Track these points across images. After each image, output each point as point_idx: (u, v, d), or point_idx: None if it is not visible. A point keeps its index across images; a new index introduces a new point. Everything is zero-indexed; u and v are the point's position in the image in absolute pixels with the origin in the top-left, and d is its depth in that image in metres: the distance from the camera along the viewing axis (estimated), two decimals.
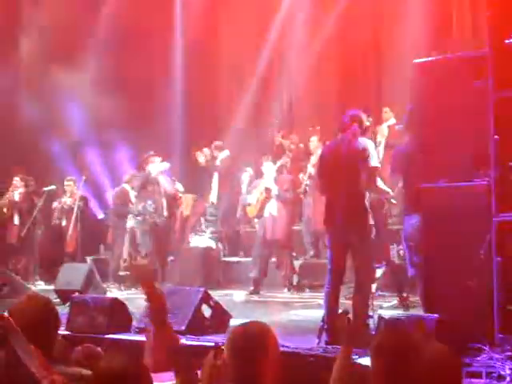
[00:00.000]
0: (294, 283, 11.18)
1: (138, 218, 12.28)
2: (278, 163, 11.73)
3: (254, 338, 3.05)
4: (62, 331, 7.42)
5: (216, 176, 13.06)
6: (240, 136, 14.30)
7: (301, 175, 12.08)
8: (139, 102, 14.94)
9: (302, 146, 13.24)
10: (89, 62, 14.95)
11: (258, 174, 12.34)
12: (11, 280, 11.01)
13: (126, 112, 14.30)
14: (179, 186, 12.81)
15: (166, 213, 12.17)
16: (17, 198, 14.02)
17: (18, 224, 13.96)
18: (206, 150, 13.38)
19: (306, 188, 11.84)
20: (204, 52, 15.93)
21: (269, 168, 11.51)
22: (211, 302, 7.61)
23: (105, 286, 11.36)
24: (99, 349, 5.27)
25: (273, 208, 11.22)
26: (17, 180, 14.08)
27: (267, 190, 11.26)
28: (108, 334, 7.34)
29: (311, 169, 11.75)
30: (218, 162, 13.02)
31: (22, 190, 14.05)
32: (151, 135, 14.17)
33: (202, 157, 13.33)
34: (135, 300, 9.90)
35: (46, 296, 3.72)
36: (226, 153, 13.12)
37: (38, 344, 2.96)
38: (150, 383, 3.00)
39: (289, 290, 11.06)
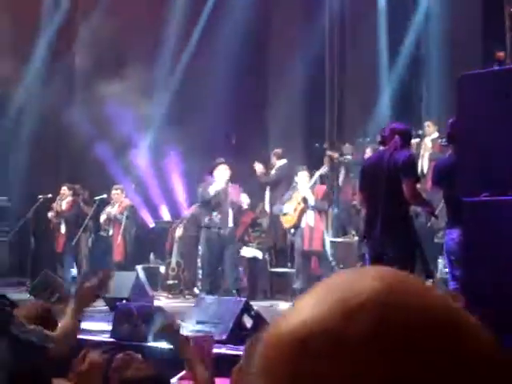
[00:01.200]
0: None
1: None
2: (318, 173, 11.72)
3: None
4: (107, 338, 7.59)
5: (268, 186, 13.15)
6: (288, 146, 14.34)
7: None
8: (190, 111, 15.11)
9: (349, 157, 13.24)
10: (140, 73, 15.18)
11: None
12: (60, 287, 11.21)
13: (177, 121, 14.51)
14: (244, 197, 12.58)
15: (231, 224, 11.67)
16: (64, 206, 14.23)
17: (65, 233, 14.16)
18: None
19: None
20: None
21: (304, 178, 11.49)
22: (252, 313, 7.66)
23: (153, 294, 11.51)
24: (139, 356, 5.38)
25: (310, 218, 11.23)
26: (64, 189, 14.28)
27: (304, 199, 11.28)
28: (152, 342, 7.44)
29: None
30: (273, 171, 13.07)
31: (69, 198, 14.25)
32: (201, 143, 14.32)
33: (259, 166, 13.35)
34: (182, 308, 10.06)
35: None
36: (283, 161, 13.16)
37: None
38: None
39: None
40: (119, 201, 13.66)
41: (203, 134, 14.63)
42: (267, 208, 13.31)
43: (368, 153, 11.98)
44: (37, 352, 2.43)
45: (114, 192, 13.78)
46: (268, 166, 13.41)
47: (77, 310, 3.00)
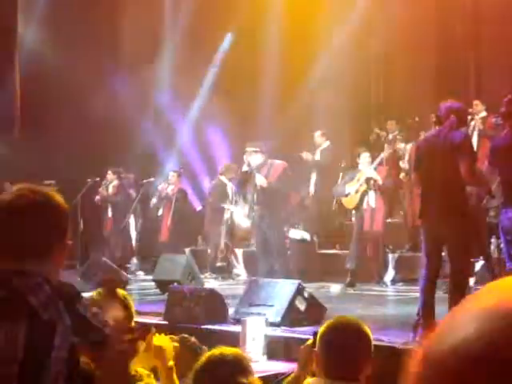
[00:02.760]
0: (387, 277, 11.08)
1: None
2: (382, 155, 11.63)
3: (344, 331, 3.08)
4: (160, 321, 7.61)
5: (314, 168, 13.09)
6: (333, 127, 14.23)
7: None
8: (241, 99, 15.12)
9: (399, 137, 13.06)
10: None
11: (353, 166, 12.25)
12: (107, 268, 11.26)
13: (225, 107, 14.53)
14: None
15: None
16: (110, 190, 14.34)
17: (111, 216, 14.31)
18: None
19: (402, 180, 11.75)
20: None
21: (366, 159, 11.40)
22: (306, 295, 7.62)
23: (202, 276, 11.55)
24: (194, 339, 5.37)
25: (372, 199, 11.15)
26: (109, 173, 14.41)
27: (368, 180, 11.19)
28: (204, 324, 7.45)
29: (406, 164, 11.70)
30: (318, 153, 13.01)
31: (115, 182, 14.36)
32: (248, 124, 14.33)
33: (307, 154, 13.31)
34: (232, 291, 10.07)
35: None
36: (326, 143, 13.09)
37: None
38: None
39: (378, 283, 10.99)
40: (175, 183, 13.92)
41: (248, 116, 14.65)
42: (312, 190, 13.24)
43: (422, 135, 11.84)
44: (97, 333, 2.41)
45: (171, 174, 14.10)
46: (312, 147, 13.33)
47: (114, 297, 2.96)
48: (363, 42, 15.21)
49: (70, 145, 15.14)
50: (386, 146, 12.56)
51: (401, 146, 12.42)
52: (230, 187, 13.21)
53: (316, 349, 3.14)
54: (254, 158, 10.99)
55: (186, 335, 5.30)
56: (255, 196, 11.04)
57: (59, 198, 2.46)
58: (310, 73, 15.04)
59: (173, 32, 16.36)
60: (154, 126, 15.43)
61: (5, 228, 2.37)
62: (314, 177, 13.20)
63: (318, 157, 13.08)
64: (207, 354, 3.01)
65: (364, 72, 15.45)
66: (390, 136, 13.46)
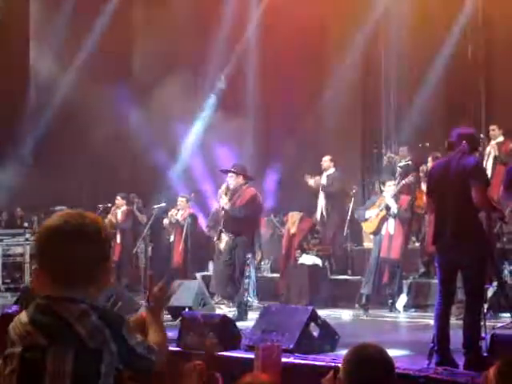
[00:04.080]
0: (399, 303, 11.02)
1: None
2: (403, 182, 11.59)
3: (372, 361, 3.06)
4: (173, 347, 7.58)
5: (322, 193, 13.12)
6: (344, 152, 14.26)
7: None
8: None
9: (409, 163, 13.06)
10: None
11: (366, 192, 12.26)
12: (123, 296, 11.26)
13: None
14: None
15: None
16: (119, 216, 14.33)
17: (120, 242, 14.24)
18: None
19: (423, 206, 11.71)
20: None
21: (390, 186, 11.41)
22: (319, 321, 7.59)
23: (213, 302, 11.51)
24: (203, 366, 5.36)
25: (391, 226, 11.13)
26: (118, 199, 14.39)
27: (387, 207, 11.19)
28: (218, 351, 7.41)
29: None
30: (324, 177, 13.06)
31: (124, 208, 14.36)
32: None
33: (311, 180, 13.36)
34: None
35: None
36: (333, 169, 13.15)
37: None
38: None
39: (390, 310, 10.94)
40: (184, 208, 13.84)
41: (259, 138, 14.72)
42: (319, 215, 13.25)
43: (430, 161, 11.83)
44: (143, 363, 2.42)
45: (180, 199, 13.99)
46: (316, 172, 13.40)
47: (158, 318, 2.94)
48: (374, 65, 15.29)
49: (81, 171, 15.22)
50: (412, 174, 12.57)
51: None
52: None
53: (340, 376, 3.11)
54: (231, 180, 10.76)
55: (199, 362, 5.29)
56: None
57: (103, 222, 2.49)
58: (321, 96, 15.13)
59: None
60: (164, 150, 15.48)
61: (53, 253, 2.37)
62: (322, 202, 13.23)
63: (323, 181, 13.12)
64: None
65: (376, 97, 15.49)
66: (403, 162, 13.47)
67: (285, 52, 15.20)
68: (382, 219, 11.15)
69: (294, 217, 13.06)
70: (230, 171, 10.76)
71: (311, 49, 15.34)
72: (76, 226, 2.39)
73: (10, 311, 8.99)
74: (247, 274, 11.01)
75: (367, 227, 11.55)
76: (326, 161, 13.23)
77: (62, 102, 16.67)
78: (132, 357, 2.36)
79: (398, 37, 14.67)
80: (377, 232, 11.22)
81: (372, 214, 11.29)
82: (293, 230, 12.97)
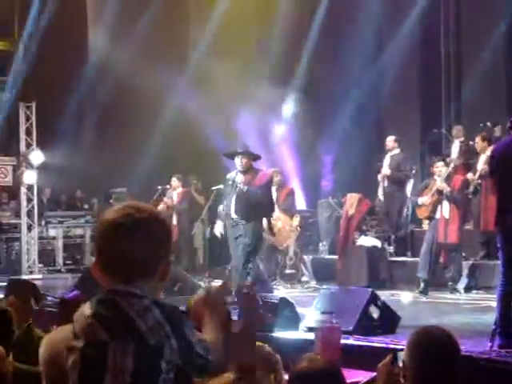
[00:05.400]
0: (460, 284, 10.88)
1: None
2: (452, 165, 11.36)
3: (439, 343, 3.01)
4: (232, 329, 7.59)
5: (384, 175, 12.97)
6: (403, 133, 14.08)
7: (469, 174, 11.73)
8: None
9: (471, 143, 12.84)
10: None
11: (425, 174, 12.09)
12: (183, 278, 11.36)
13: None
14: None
15: None
16: (175, 197, 14.39)
17: (177, 224, 14.30)
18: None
19: (477, 188, 11.48)
20: None
21: (441, 168, 11.21)
22: (379, 303, 7.53)
23: (272, 283, 11.52)
24: (268, 348, 5.35)
25: (445, 210, 10.94)
26: (174, 180, 14.43)
27: (439, 191, 11.02)
28: (276, 332, 7.42)
29: (481, 168, 11.42)
30: (387, 158, 12.88)
31: (180, 189, 14.41)
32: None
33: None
34: (302, 298, 10.01)
35: None
36: (396, 150, 12.95)
37: None
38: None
39: (451, 292, 10.79)
40: None
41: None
42: (381, 197, 13.12)
43: (478, 140, 11.63)
44: (200, 362, 2.40)
45: None
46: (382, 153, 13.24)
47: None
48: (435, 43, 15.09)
49: (139, 153, 15.33)
50: (455, 155, 12.36)
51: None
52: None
53: (404, 359, 3.07)
54: (239, 161, 10.08)
55: (260, 343, 5.27)
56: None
57: (162, 215, 2.46)
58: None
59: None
60: (221, 133, 15.50)
61: (112, 248, 2.35)
62: (383, 183, 13.09)
63: (387, 162, 12.96)
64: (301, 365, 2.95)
65: (436, 76, 15.28)
66: (456, 142, 13.26)
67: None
68: (435, 203, 10.96)
69: (352, 198, 12.96)
70: (237, 153, 10.08)
71: None
72: (134, 220, 2.36)
73: (69, 297, 9.02)
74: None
75: (421, 213, 11.37)
76: (391, 141, 12.99)
77: (122, 84, 16.81)
78: (191, 354, 2.34)
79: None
80: (431, 217, 11.04)
81: (424, 199, 11.13)
82: (351, 212, 12.87)
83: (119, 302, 2.32)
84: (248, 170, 9.90)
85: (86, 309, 2.38)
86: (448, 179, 11.00)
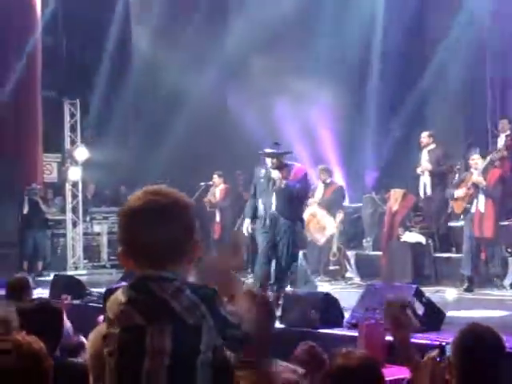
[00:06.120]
0: (506, 281, 10.74)
1: None
2: (488, 158, 11.17)
3: (485, 341, 2.98)
4: (276, 325, 7.61)
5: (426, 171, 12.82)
6: (447, 125, 13.93)
7: None
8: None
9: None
10: None
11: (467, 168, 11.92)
12: None
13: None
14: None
15: None
16: (217, 194, 14.40)
17: (220, 221, 14.29)
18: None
19: None
20: None
21: (477, 161, 11.06)
22: (424, 299, 7.46)
23: (316, 280, 11.50)
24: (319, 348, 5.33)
25: (481, 204, 10.79)
26: (215, 177, 14.43)
27: (474, 185, 10.86)
28: (320, 328, 7.40)
29: None
30: (424, 153, 12.72)
31: (222, 186, 14.41)
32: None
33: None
34: (346, 294, 9.97)
35: None
36: (433, 145, 12.80)
37: None
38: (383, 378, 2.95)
39: (498, 288, 10.65)
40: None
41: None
42: (421, 192, 12.98)
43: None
44: (235, 333, 2.38)
45: None
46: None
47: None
48: (477, 38, 14.87)
49: (182, 148, 15.38)
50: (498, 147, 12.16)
51: None
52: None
53: (450, 357, 3.05)
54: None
55: (311, 343, 5.26)
56: None
57: (185, 197, 2.44)
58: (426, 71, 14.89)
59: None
60: (262, 127, 15.45)
61: (141, 236, 2.34)
62: (426, 179, 12.94)
63: (425, 157, 12.81)
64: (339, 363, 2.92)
65: (480, 70, 15.08)
66: (502, 136, 13.05)
67: None
68: (471, 197, 10.81)
69: (396, 194, 12.86)
70: (273, 154, 9.53)
71: None
72: (160, 205, 2.35)
73: (114, 287, 9.04)
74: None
75: (457, 207, 11.22)
76: (425, 137, 12.83)
77: (162, 83, 16.91)
78: (226, 328, 2.33)
79: None
80: (466, 211, 10.90)
81: (460, 193, 10.98)
82: (395, 208, 12.78)
83: (151, 286, 2.32)
84: (281, 166, 9.54)
85: (120, 296, 2.39)
86: (485, 172, 10.85)
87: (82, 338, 5.37)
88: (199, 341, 2.27)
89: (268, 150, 9.46)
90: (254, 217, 9.60)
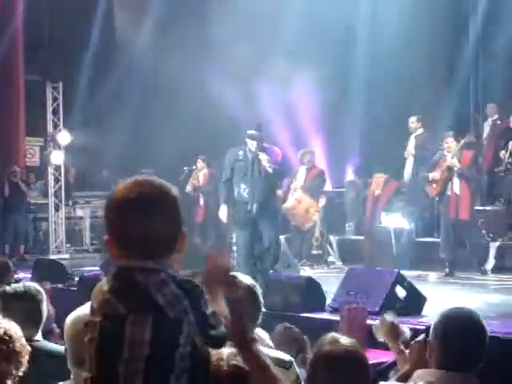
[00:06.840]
0: (487, 265, 10.81)
1: None
2: (463, 141, 11.13)
3: (466, 325, 3.00)
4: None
5: (410, 156, 12.84)
6: (429, 111, 13.92)
7: (502, 152, 11.58)
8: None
9: (498, 122, 12.71)
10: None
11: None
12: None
13: None
14: None
15: None
16: (200, 178, 14.39)
17: (203, 204, 14.30)
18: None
19: (507, 166, 11.33)
20: None
21: (449, 144, 11.05)
22: (405, 284, 7.50)
23: (298, 264, 11.53)
24: (297, 330, 5.35)
25: (456, 186, 10.81)
26: (199, 161, 14.42)
27: (449, 167, 10.85)
28: (302, 312, 7.43)
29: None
30: (412, 138, 12.74)
31: (205, 170, 14.40)
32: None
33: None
34: (328, 279, 10.01)
35: None
36: (421, 130, 12.81)
37: None
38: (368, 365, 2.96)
39: (478, 271, 10.71)
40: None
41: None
42: (406, 177, 13.00)
43: None
44: (214, 334, 2.39)
45: None
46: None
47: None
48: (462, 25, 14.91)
49: (167, 133, 15.32)
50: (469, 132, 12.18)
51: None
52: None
53: (430, 338, 3.07)
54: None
55: (288, 325, 5.29)
56: None
57: (173, 188, 2.42)
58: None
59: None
60: (244, 110, 15.37)
61: (128, 226, 2.32)
62: (410, 163, 12.96)
63: (412, 143, 12.83)
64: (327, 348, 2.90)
65: (461, 54, 15.11)
66: (489, 120, 13.10)
67: None
68: (445, 180, 10.82)
69: (379, 179, 12.91)
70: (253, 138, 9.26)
71: None
72: (148, 196, 2.33)
73: (88, 275, 8.93)
74: None
75: (431, 189, 11.22)
76: (413, 122, 12.82)
77: (145, 69, 16.84)
78: (206, 325, 2.33)
79: None
80: (441, 194, 10.92)
81: (435, 175, 10.99)
82: (377, 192, 12.83)
83: (136, 276, 2.31)
84: (264, 149, 9.24)
85: (104, 284, 2.39)
86: (458, 155, 10.84)
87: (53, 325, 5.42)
88: (179, 334, 2.27)
89: (251, 132, 9.36)
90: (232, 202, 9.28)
